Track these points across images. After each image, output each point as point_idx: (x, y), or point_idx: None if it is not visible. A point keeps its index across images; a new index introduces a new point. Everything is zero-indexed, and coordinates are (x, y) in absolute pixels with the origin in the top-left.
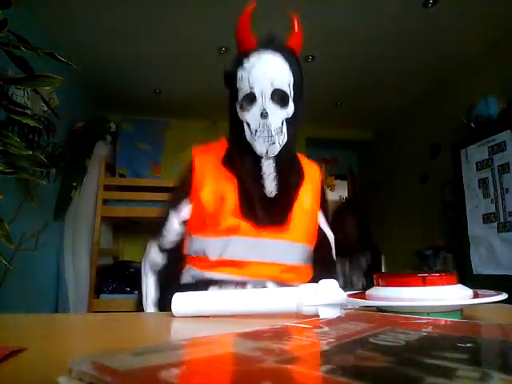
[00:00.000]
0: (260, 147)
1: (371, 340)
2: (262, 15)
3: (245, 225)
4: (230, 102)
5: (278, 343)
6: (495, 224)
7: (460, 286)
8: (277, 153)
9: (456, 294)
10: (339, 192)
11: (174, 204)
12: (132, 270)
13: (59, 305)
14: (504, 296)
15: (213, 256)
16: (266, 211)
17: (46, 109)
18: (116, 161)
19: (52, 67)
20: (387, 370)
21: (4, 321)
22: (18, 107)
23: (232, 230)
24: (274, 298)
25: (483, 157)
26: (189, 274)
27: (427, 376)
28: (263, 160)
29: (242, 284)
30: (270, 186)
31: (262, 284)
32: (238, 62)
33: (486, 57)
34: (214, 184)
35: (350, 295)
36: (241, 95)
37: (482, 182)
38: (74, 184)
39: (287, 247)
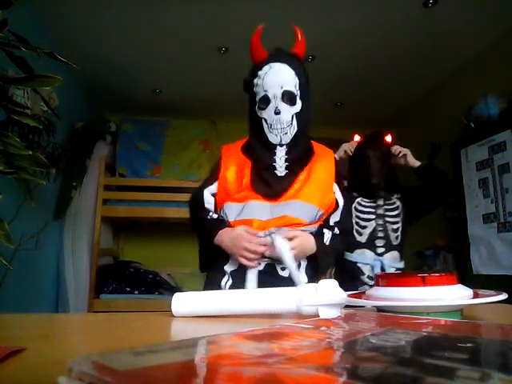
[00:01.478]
0: (275, 137)
1: (371, 340)
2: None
3: (259, 195)
4: (250, 104)
5: (278, 343)
6: (495, 224)
7: (460, 285)
8: (289, 141)
9: (456, 294)
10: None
11: (206, 182)
12: (132, 270)
13: (59, 305)
14: (504, 296)
15: (232, 217)
16: (276, 187)
17: (45, 109)
18: (116, 161)
19: (52, 67)
20: (387, 369)
21: (4, 321)
22: (17, 107)
23: (248, 197)
24: (273, 297)
25: (483, 157)
26: None
27: (427, 376)
28: (277, 147)
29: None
30: (281, 168)
31: (269, 232)
32: (254, 72)
33: (485, 57)
34: (236, 166)
35: (350, 295)
36: (258, 98)
37: (482, 182)
38: (74, 184)
39: (297, 206)
